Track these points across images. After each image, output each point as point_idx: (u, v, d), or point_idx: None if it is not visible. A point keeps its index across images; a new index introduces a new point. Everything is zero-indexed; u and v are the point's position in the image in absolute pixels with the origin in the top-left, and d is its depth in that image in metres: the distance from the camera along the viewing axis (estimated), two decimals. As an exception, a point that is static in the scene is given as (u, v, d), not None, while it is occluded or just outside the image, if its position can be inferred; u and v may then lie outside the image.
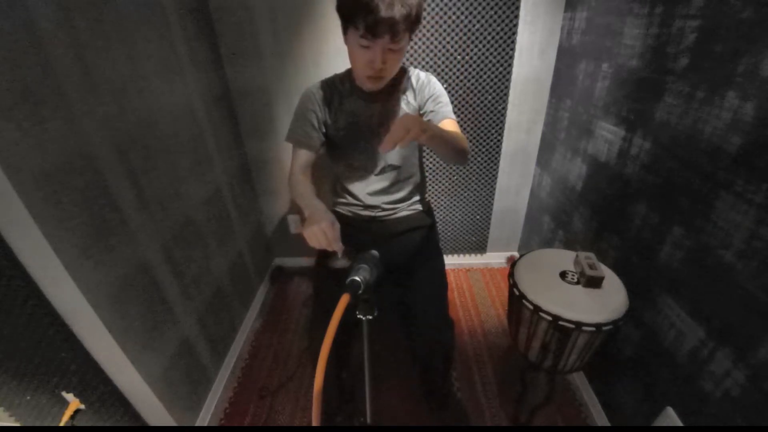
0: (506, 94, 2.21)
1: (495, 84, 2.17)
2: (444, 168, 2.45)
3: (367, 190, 1.56)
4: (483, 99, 2.21)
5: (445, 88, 2.12)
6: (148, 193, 1.45)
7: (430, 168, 2.45)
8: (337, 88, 1.44)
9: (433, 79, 1.48)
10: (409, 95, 1.46)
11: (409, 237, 1.59)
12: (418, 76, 1.47)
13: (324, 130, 1.47)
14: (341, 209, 1.66)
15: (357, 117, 1.44)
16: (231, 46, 2.11)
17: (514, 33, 2.03)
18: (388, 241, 1.53)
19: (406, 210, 1.63)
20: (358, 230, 1.58)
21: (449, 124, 1.44)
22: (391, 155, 1.51)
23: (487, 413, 1.85)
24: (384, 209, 1.59)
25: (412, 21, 1.13)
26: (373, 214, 1.60)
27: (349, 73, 1.44)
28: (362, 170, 1.53)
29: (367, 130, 1.45)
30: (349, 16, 1.12)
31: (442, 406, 1.85)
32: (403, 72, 1.45)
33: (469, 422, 1.80)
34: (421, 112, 1.46)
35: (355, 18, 1.10)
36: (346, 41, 1.23)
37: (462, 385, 1.99)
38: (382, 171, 1.53)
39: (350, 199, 1.61)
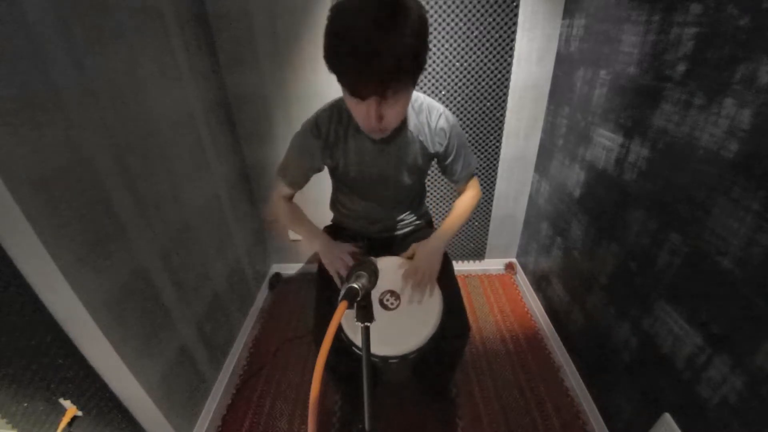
0: (505, 101, 2.22)
1: (493, 90, 2.18)
2: (442, 175, 2.44)
3: (371, 218, 1.54)
4: (481, 105, 2.22)
5: (444, 95, 2.15)
6: (147, 199, 1.45)
7: (428, 175, 2.44)
8: (341, 124, 1.28)
9: (454, 125, 1.35)
10: (424, 138, 1.33)
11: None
12: (429, 111, 1.32)
13: (328, 167, 1.40)
14: (343, 222, 1.62)
15: (365, 159, 1.32)
16: (229, 52, 2.12)
17: (513, 40, 2.05)
18: (393, 252, 1.48)
19: (409, 225, 1.62)
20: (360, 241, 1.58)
21: (471, 182, 1.50)
22: (401, 202, 1.53)
23: (485, 419, 1.84)
24: (386, 227, 1.59)
25: (406, 72, 0.96)
26: (375, 229, 1.58)
27: None
28: (368, 202, 1.49)
29: (377, 174, 1.36)
30: (333, 72, 0.98)
31: (441, 410, 1.85)
32: None
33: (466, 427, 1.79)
34: (444, 162, 1.42)
35: (338, 76, 0.98)
36: (342, 90, 1.05)
37: (460, 391, 1.98)
38: (391, 210, 1.54)
39: (352, 218, 1.58)
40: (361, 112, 1.05)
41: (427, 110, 1.33)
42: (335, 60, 0.96)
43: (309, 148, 1.31)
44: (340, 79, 0.98)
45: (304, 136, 1.31)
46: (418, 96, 1.33)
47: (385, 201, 1.49)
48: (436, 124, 1.33)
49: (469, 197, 1.50)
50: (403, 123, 1.28)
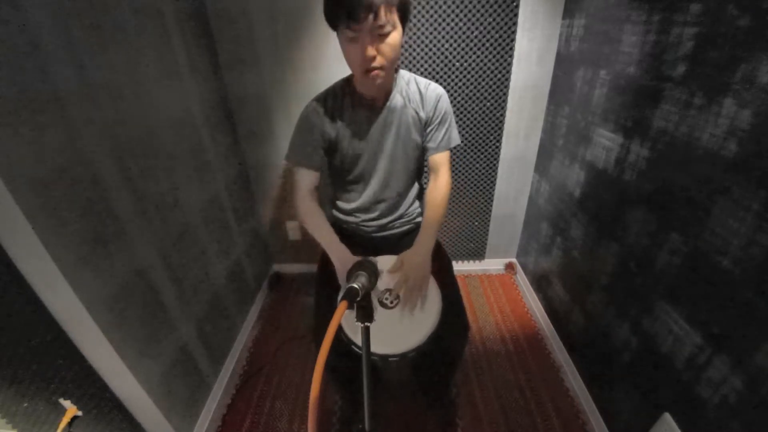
0: (505, 101, 2.22)
1: (493, 90, 2.18)
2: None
3: (368, 204, 1.53)
4: (481, 105, 2.22)
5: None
6: (147, 199, 1.45)
7: (428, 175, 2.44)
8: (337, 100, 1.38)
9: (444, 94, 1.42)
10: (416, 105, 1.40)
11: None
12: (417, 81, 1.41)
13: (327, 146, 1.41)
14: (341, 221, 1.63)
15: (360, 129, 1.39)
16: (230, 52, 2.12)
17: (513, 40, 2.05)
18: (392, 251, 1.47)
19: (407, 224, 1.62)
20: (360, 241, 1.57)
21: (442, 157, 1.47)
22: (396, 182, 1.51)
23: (485, 419, 1.84)
24: (385, 225, 1.58)
25: (395, 2, 1.09)
26: (374, 227, 1.58)
27: (347, 83, 1.38)
28: (364, 185, 1.50)
29: (371, 143, 1.41)
30: (331, 12, 1.12)
31: (441, 410, 1.85)
32: (397, 73, 1.40)
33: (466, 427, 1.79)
34: (428, 128, 1.43)
35: (336, 10, 1.09)
36: (340, 45, 1.19)
37: (460, 391, 1.98)
38: (388, 198, 1.52)
39: (350, 213, 1.58)
40: (357, 49, 1.14)
41: (415, 81, 1.42)
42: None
43: (310, 119, 1.37)
44: (337, 18, 1.11)
45: (304, 111, 1.39)
46: (406, 72, 1.43)
47: (383, 185, 1.49)
48: (426, 90, 1.40)
49: (441, 188, 1.47)
50: (394, 91, 1.38)
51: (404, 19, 1.16)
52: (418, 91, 1.40)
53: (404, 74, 1.41)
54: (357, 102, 1.36)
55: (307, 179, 1.41)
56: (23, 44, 0.99)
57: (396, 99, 1.37)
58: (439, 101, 1.40)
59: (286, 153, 1.42)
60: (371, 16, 1.06)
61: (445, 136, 1.44)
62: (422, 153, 1.51)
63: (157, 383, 1.46)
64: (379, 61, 1.16)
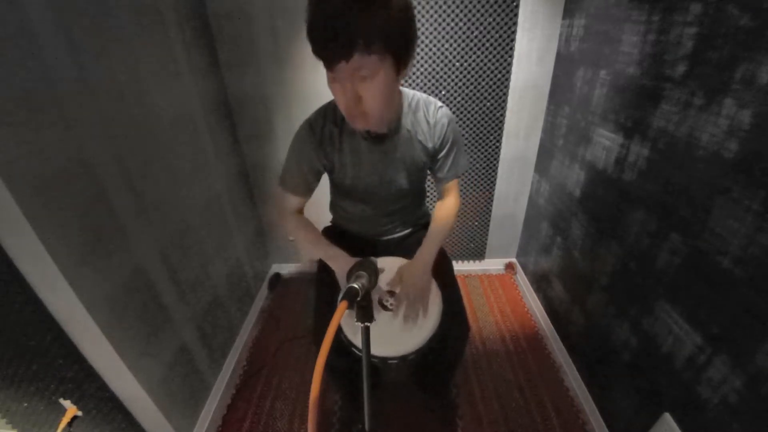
0: (505, 101, 2.22)
1: (493, 90, 2.18)
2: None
3: (369, 219, 1.51)
4: (482, 105, 2.22)
5: (444, 95, 2.15)
6: (146, 199, 1.45)
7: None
8: (336, 122, 1.26)
9: (451, 121, 1.32)
10: (423, 137, 1.31)
11: (413, 249, 1.44)
12: (426, 107, 1.30)
13: (323, 169, 1.35)
14: (342, 224, 1.61)
15: (360, 159, 1.30)
16: (230, 52, 2.12)
17: (513, 40, 2.04)
18: (393, 253, 1.47)
19: (408, 227, 1.61)
20: (360, 243, 1.57)
21: (452, 184, 1.44)
22: (399, 202, 1.48)
23: (485, 419, 1.84)
24: (387, 230, 1.57)
25: (378, 43, 0.92)
26: (377, 231, 1.57)
27: None
28: (365, 205, 1.46)
29: (375, 176, 1.34)
30: (312, 46, 0.94)
31: (441, 410, 1.85)
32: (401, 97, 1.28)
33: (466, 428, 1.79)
34: (436, 156, 1.37)
35: (312, 48, 0.94)
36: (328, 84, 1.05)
37: (460, 391, 1.98)
38: (391, 213, 1.51)
39: (351, 221, 1.56)
40: (339, 93, 1.03)
41: (424, 106, 1.30)
42: (309, 26, 0.92)
43: (304, 148, 1.29)
44: (314, 50, 0.94)
45: (298, 137, 1.30)
46: (414, 93, 1.32)
47: (384, 204, 1.46)
48: (434, 117, 1.30)
49: (449, 207, 1.45)
50: (398, 121, 1.27)
51: (399, 58, 1.01)
52: (425, 121, 1.30)
53: (409, 97, 1.30)
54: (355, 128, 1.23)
55: (293, 203, 1.38)
56: (23, 44, 0.99)
57: (402, 132, 1.29)
58: (446, 131, 1.31)
59: (279, 175, 1.36)
60: (344, 61, 0.92)
61: (453, 165, 1.39)
62: (426, 172, 1.48)
63: (157, 383, 1.46)
64: (359, 108, 1.05)
